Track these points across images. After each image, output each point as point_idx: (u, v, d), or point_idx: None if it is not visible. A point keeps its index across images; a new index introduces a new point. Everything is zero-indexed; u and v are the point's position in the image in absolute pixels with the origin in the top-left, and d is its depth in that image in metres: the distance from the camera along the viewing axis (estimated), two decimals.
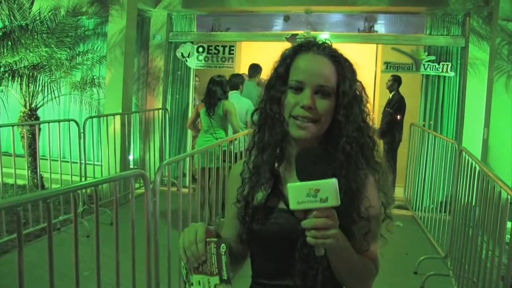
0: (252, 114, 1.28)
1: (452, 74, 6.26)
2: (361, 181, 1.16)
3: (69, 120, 5.53)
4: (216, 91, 5.02)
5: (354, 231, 1.13)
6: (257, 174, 1.24)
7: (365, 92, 1.22)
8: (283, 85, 1.19)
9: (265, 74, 1.34)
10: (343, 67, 1.19)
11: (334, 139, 1.17)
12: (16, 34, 5.64)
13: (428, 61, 6.31)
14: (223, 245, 1.05)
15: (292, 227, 1.13)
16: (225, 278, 1.05)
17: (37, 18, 5.87)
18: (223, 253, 1.04)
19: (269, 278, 1.22)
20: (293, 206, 0.98)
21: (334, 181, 0.97)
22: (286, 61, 1.20)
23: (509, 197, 2.67)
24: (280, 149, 1.24)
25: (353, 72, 1.21)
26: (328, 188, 0.96)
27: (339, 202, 0.97)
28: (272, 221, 1.19)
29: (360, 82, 1.22)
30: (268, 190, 1.22)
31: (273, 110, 1.19)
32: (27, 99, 6.12)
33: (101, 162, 6.20)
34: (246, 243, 1.25)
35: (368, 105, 1.22)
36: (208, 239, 1.06)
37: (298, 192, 0.97)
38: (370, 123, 1.22)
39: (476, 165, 3.52)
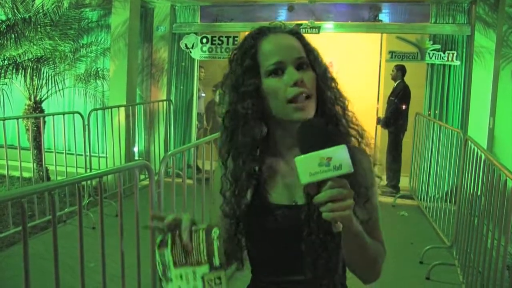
0: (223, 121, 1.19)
1: (457, 63, 6.20)
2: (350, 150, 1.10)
3: (73, 113, 5.55)
4: None
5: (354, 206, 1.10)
6: (241, 183, 1.17)
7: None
8: (252, 78, 1.12)
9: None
10: (304, 38, 1.18)
11: (319, 111, 1.14)
12: (20, 27, 5.63)
13: (433, 50, 6.25)
14: (214, 229, 0.97)
15: (291, 220, 1.11)
16: (217, 264, 0.97)
17: (40, 11, 5.85)
18: (214, 238, 0.97)
19: (278, 276, 1.19)
20: (305, 179, 0.91)
21: (344, 146, 0.91)
22: (249, 53, 1.13)
23: None
24: (261, 147, 1.18)
25: (311, 42, 1.19)
26: (341, 154, 0.90)
27: (353, 168, 0.91)
28: (270, 220, 1.15)
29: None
30: (251, 195, 1.17)
31: (245, 107, 1.12)
32: (31, 92, 6.13)
33: (106, 154, 6.23)
34: (245, 244, 1.21)
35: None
36: (193, 228, 0.98)
37: (309, 163, 0.91)
38: (340, 89, 1.21)
39: (482, 154, 3.50)
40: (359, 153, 1.14)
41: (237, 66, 1.15)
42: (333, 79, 1.19)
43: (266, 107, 1.13)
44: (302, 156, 0.92)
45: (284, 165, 1.18)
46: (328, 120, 1.13)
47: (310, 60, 1.15)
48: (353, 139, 1.17)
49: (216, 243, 0.97)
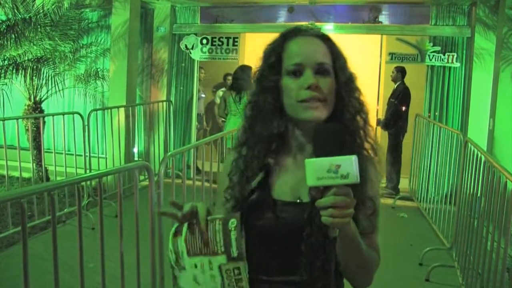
0: (245, 109, 1.25)
1: (457, 64, 6.20)
2: (363, 162, 1.11)
3: (73, 113, 5.55)
4: (242, 81, 5.66)
5: (359, 216, 1.10)
6: (250, 170, 1.19)
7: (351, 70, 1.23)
8: (275, 74, 1.16)
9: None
10: (334, 44, 1.19)
11: (337, 119, 1.15)
12: (20, 27, 5.63)
13: (434, 51, 6.25)
14: (232, 220, 0.98)
15: (294, 217, 1.11)
16: (235, 255, 0.98)
17: (41, 11, 5.85)
18: (232, 229, 0.98)
19: (271, 275, 1.16)
20: (312, 182, 0.94)
21: (354, 157, 0.94)
22: (276, 51, 1.18)
23: None
24: (278, 142, 1.20)
25: (341, 49, 1.21)
26: (349, 164, 0.93)
27: (359, 180, 0.94)
28: (271, 216, 1.14)
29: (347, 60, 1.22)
30: (256, 184, 1.18)
31: (266, 101, 1.17)
32: (31, 92, 6.13)
33: (106, 154, 6.22)
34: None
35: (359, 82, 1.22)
36: (209, 218, 0.99)
37: (318, 168, 0.93)
38: (364, 101, 1.22)
39: (482, 156, 3.50)
40: (370, 163, 1.17)
41: (264, 61, 1.20)
42: (357, 89, 1.20)
43: (283, 104, 1.17)
44: (313, 159, 0.95)
45: (293, 163, 1.20)
46: (345, 128, 1.14)
47: (335, 67, 1.16)
48: (365, 152, 1.18)
49: (234, 234, 0.99)
